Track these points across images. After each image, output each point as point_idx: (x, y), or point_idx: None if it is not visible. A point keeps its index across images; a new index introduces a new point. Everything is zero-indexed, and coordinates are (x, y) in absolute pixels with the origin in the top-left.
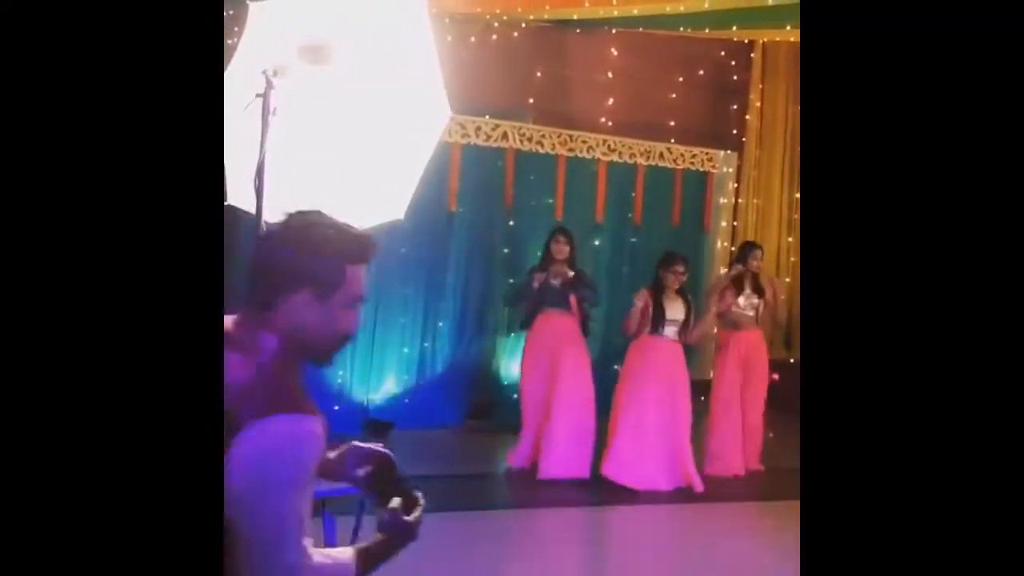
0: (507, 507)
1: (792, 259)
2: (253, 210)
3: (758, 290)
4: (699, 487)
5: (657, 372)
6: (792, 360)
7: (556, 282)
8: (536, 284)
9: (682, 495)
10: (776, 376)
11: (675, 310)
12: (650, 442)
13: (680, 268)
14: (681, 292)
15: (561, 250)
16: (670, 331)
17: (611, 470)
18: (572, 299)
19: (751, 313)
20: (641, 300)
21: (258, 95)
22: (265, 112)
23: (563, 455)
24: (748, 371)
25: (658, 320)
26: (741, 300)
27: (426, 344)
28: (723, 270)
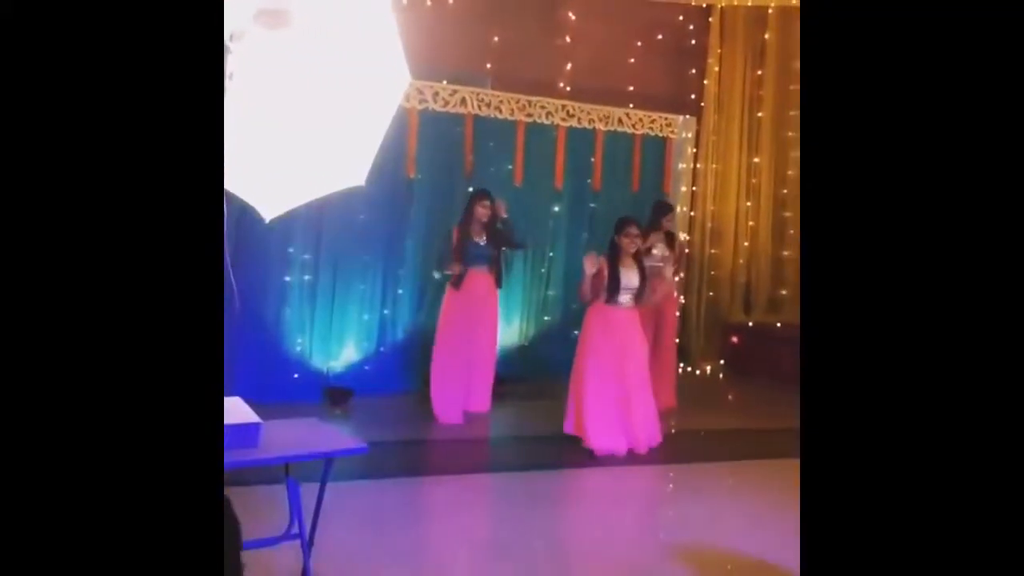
0: (471, 471)
1: (751, 223)
2: None
3: (669, 243)
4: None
5: (615, 341)
6: (750, 324)
7: (481, 241)
8: (455, 239)
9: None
10: (735, 339)
11: (630, 277)
12: (612, 411)
13: (635, 231)
14: (637, 258)
15: (485, 212)
16: (625, 298)
17: (586, 437)
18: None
19: (660, 264)
20: (592, 266)
21: None
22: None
23: (480, 394)
24: (660, 319)
25: (614, 288)
26: (655, 253)
27: (386, 311)
28: (683, 236)
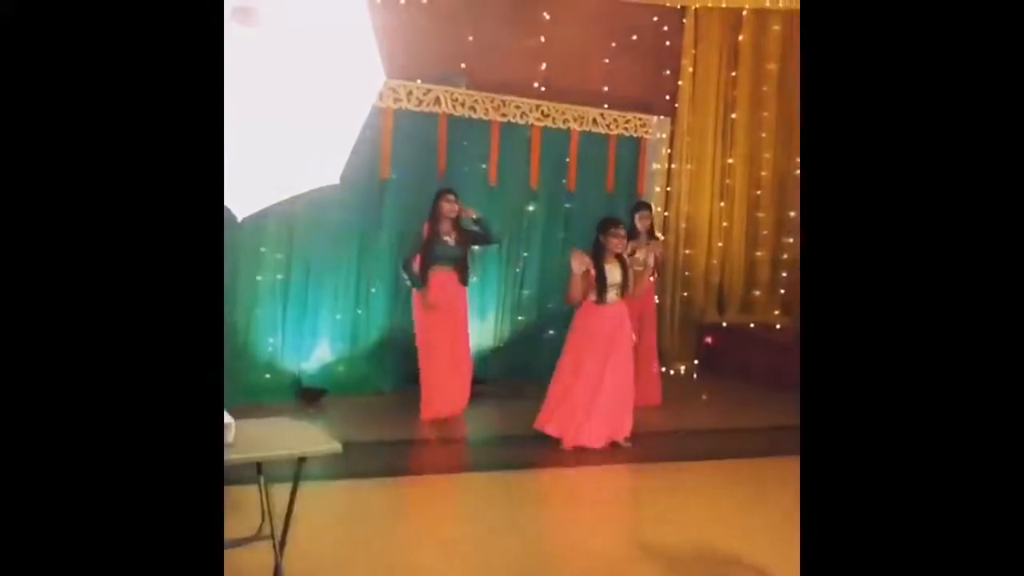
0: (446, 471)
1: (725, 224)
2: None
3: (651, 246)
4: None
5: (607, 340)
6: (724, 324)
7: (450, 239)
8: (425, 234)
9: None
10: (709, 339)
11: (615, 274)
12: (604, 408)
13: (621, 231)
14: (617, 255)
15: (452, 209)
16: (612, 295)
17: (555, 428)
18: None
19: (640, 268)
20: (581, 266)
21: None
22: None
23: (452, 396)
24: (641, 319)
25: (601, 287)
26: (638, 257)
27: (359, 311)
28: (659, 235)
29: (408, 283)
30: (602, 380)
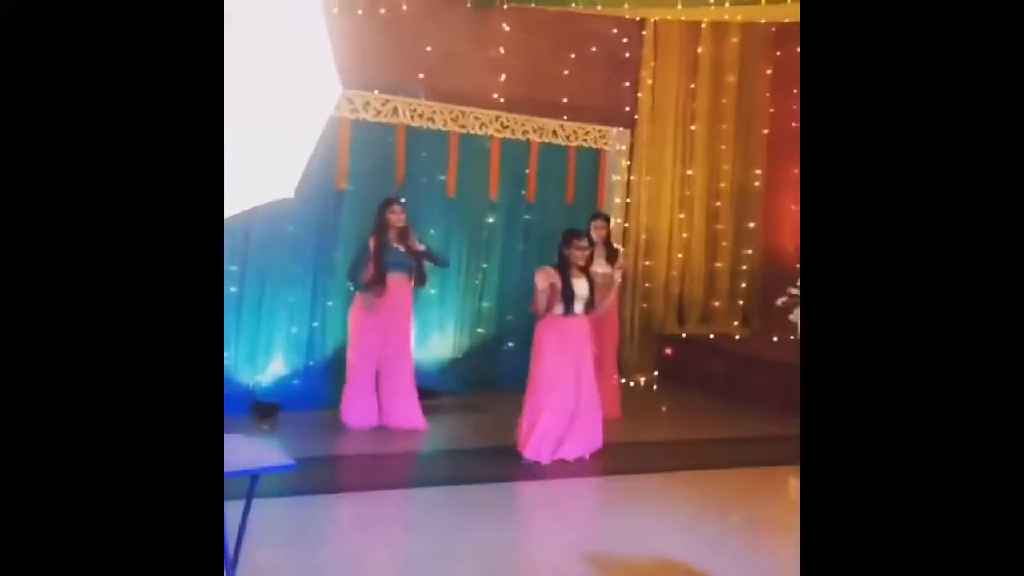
0: (402, 486)
1: (684, 235)
2: None
3: (610, 258)
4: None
5: (572, 352)
6: (684, 335)
7: (400, 247)
8: (371, 248)
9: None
10: (669, 351)
11: (581, 287)
12: (570, 421)
13: (584, 243)
14: (585, 268)
15: (399, 218)
16: (578, 307)
17: (532, 451)
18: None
19: (599, 281)
20: (546, 279)
21: None
22: None
23: (403, 408)
24: (601, 330)
25: (568, 299)
26: (596, 268)
27: (315, 324)
28: (618, 247)
29: (352, 289)
30: (577, 394)
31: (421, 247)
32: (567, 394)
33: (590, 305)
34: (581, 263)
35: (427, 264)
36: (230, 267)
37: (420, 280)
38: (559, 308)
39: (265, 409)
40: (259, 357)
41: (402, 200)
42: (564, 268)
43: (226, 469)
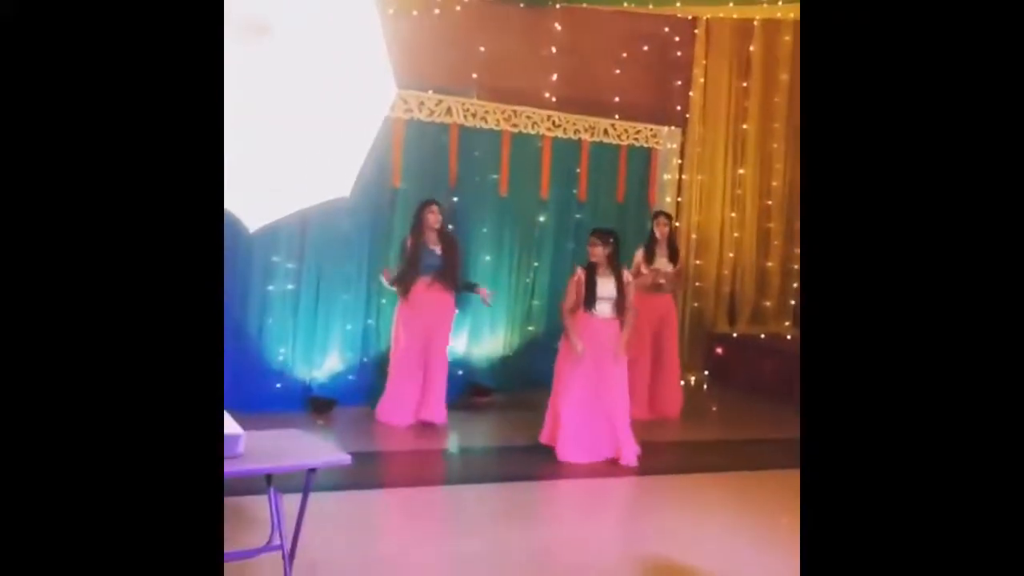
0: (455, 483)
1: (736, 234)
2: None
3: (672, 257)
4: (629, 461)
5: (592, 348)
6: (734, 335)
7: (436, 249)
8: (408, 248)
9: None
10: (720, 350)
11: (606, 287)
12: (585, 418)
13: (596, 240)
14: (614, 268)
15: (436, 219)
16: (603, 307)
17: (557, 447)
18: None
19: (662, 280)
20: (574, 280)
21: None
22: None
23: (435, 404)
24: (662, 333)
25: (590, 297)
26: (657, 262)
27: (370, 321)
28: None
29: (386, 285)
30: (591, 393)
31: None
32: (578, 394)
33: (619, 306)
34: (604, 263)
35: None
36: (287, 265)
37: (451, 285)
38: (581, 305)
39: (321, 404)
40: (315, 354)
41: (452, 200)
42: (591, 267)
43: (283, 464)
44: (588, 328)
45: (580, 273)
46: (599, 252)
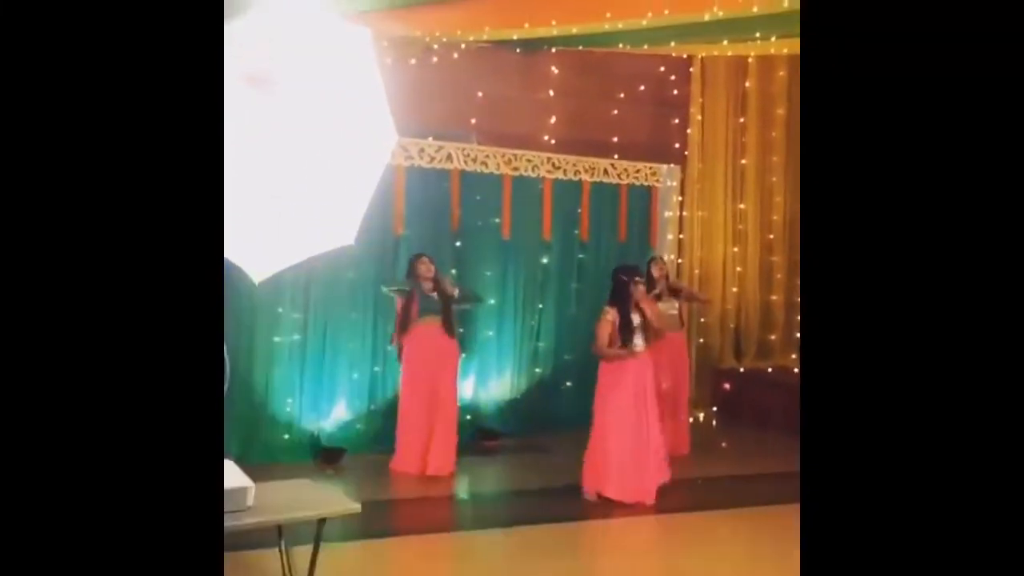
0: (470, 528)
1: (739, 269)
2: None
3: (675, 294)
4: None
5: (638, 388)
6: (741, 369)
7: (435, 295)
8: (414, 306)
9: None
10: (727, 385)
11: (636, 318)
12: (639, 457)
13: (643, 278)
14: (637, 303)
15: (430, 269)
16: (638, 340)
17: (609, 489)
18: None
19: (675, 312)
20: (608, 321)
21: None
22: None
23: (446, 454)
24: (674, 368)
25: (627, 334)
26: (661, 307)
27: (376, 368)
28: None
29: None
30: (644, 430)
31: (454, 291)
32: (633, 431)
33: (646, 335)
34: (638, 298)
35: (472, 307)
36: (293, 315)
37: (450, 328)
38: (618, 345)
39: (330, 454)
40: (323, 403)
41: (456, 245)
42: (624, 303)
43: (294, 515)
44: (631, 367)
45: (612, 312)
46: (642, 290)
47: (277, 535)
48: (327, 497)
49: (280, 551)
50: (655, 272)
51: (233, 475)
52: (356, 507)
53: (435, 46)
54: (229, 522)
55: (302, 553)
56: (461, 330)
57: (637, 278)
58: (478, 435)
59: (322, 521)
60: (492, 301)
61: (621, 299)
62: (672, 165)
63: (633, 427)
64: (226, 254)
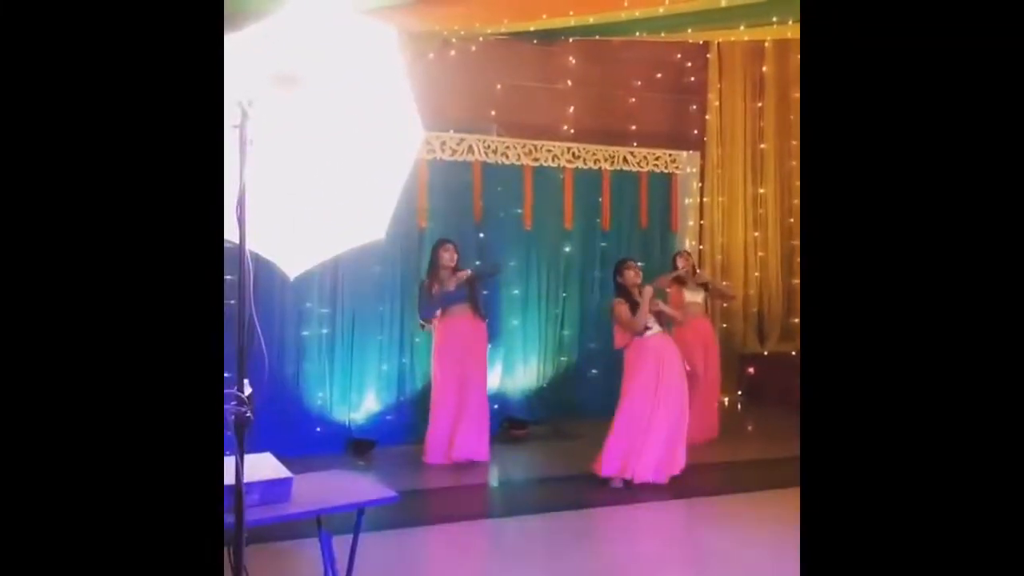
0: (501, 515)
1: (760, 254)
2: (236, 240)
3: (704, 288)
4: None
5: (654, 372)
6: (765, 353)
7: (452, 287)
8: (436, 293)
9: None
10: (751, 369)
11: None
12: (645, 441)
13: (638, 267)
14: (639, 288)
15: (452, 257)
16: (652, 324)
17: (638, 472)
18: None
19: (700, 300)
20: (621, 304)
21: (235, 126)
22: (243, 143)
23: (474, 441)
24: (703, 358)
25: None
26: (687, 295)
27: (404, 360)
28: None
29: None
30: (654, 413)
31: (467, 272)
32: (646, 413)
33: (661, 321)
34: (637, 282)
35: (495, 276)
36: (321, 309)
37: (478, 312)
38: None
39: (361, 446)
40: (353, 395)
41: (479, 236)
42: (626, 294)
43: (334, 504)
44: (646, 351)
45: (622, 302)
46: (639, 275)
47: (317, 526)
48: (364, 487)
49: (320, 541)
50: (680, 263)
51: (272, 467)
52: (394, 495)
53: (453, 40)
54: (271, 514)
55: (341, 543)
56: (515, 321)
57: (629, 263)
58: (506, 424)
59: (361, 510)
60: (516, 291)
61: (622, 290)
62: (691, 152)
63: (651, 405)
64: (261, 251)
